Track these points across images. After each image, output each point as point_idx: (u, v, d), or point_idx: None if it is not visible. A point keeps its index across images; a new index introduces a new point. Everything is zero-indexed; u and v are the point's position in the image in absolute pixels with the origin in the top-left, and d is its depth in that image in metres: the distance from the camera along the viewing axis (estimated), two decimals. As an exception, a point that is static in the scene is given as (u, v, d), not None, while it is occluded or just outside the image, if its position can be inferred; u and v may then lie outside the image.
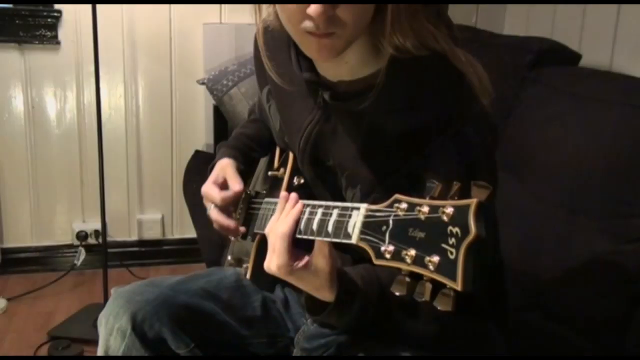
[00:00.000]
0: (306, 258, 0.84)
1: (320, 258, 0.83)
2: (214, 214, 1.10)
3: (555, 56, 1.81)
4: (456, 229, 0.60)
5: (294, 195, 0.87)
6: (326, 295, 0.87)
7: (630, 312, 1.35)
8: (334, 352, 1.08)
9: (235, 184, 1.10)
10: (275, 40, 1.04)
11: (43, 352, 2.07)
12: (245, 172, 1.18)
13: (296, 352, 1.16)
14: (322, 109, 1.01)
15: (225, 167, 1.14)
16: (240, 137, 1.28)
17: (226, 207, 1.10)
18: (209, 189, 1.12)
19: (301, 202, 0.86)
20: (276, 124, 1.13)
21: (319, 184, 1.05)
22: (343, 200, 0.99)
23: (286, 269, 0.83)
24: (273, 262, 0.84)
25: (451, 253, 0.59)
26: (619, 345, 1.35)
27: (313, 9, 0.81)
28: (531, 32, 2.24)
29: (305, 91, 1.02)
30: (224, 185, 1.12)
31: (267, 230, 0.87)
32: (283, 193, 0.88)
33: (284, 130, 1.12)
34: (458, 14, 2.44)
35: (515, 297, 1.42)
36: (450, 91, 0.91)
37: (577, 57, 1.85)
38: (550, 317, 1.44)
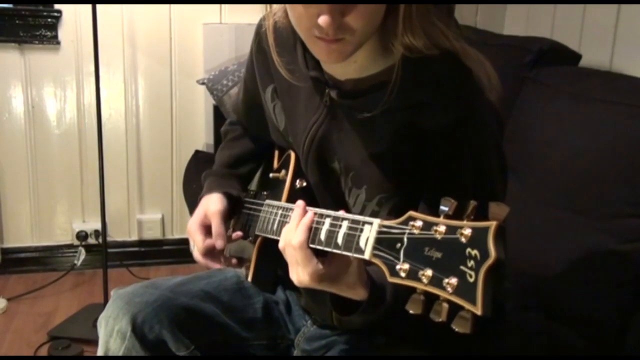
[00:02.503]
0: (330, 258, 0.81)
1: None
2: (197, 256, 1.10)
3: (555, 56, 1.81)
4: (475, 252, 0.59)
5: (299, 202, 0.86)
6: (360, 292, 0.83)
7: (630, 312, 1.35)
8: (334, 353, 1.08)
9: (219, 240, 1.09)
10: (282, 38, 1.03)
11: (43, 352, 2.07)
12: (232, 208, 1.15)
13: (296, 354, 1.16)
14: (328, 107, 1.00)
15: (212, 215, 1.11)
16: (229, 160, 1.24)
17: (210, 251, 1.10)
18: (194, 234, 1.10)
19: (311, 210, 0.84)
20: (281, 124, 1.11)
21: (321, 186, 1.04)
22: (345, 204, 0.99)
23: (318, 273, 0.80)
24: (302, 274, 0.81)
25: (470, 276, 0.59)
26: (619, 345, 1.35)
27: (323, 20, 0.81)
28: (531, 32, 2.24)
29: (312, 90, 1.01)
30: (209, 229, 1.10)
31: (283, 245, 0.85)
32: (299, 202, 0.86)
33: (289, 130, 1.10)
34: (458, 14, 2.43)
35: (515, 297, 1.42)
36: (460, 88, 0.90)
37: (577, 57, 1.85)
38: (550, 317, 1.44)
